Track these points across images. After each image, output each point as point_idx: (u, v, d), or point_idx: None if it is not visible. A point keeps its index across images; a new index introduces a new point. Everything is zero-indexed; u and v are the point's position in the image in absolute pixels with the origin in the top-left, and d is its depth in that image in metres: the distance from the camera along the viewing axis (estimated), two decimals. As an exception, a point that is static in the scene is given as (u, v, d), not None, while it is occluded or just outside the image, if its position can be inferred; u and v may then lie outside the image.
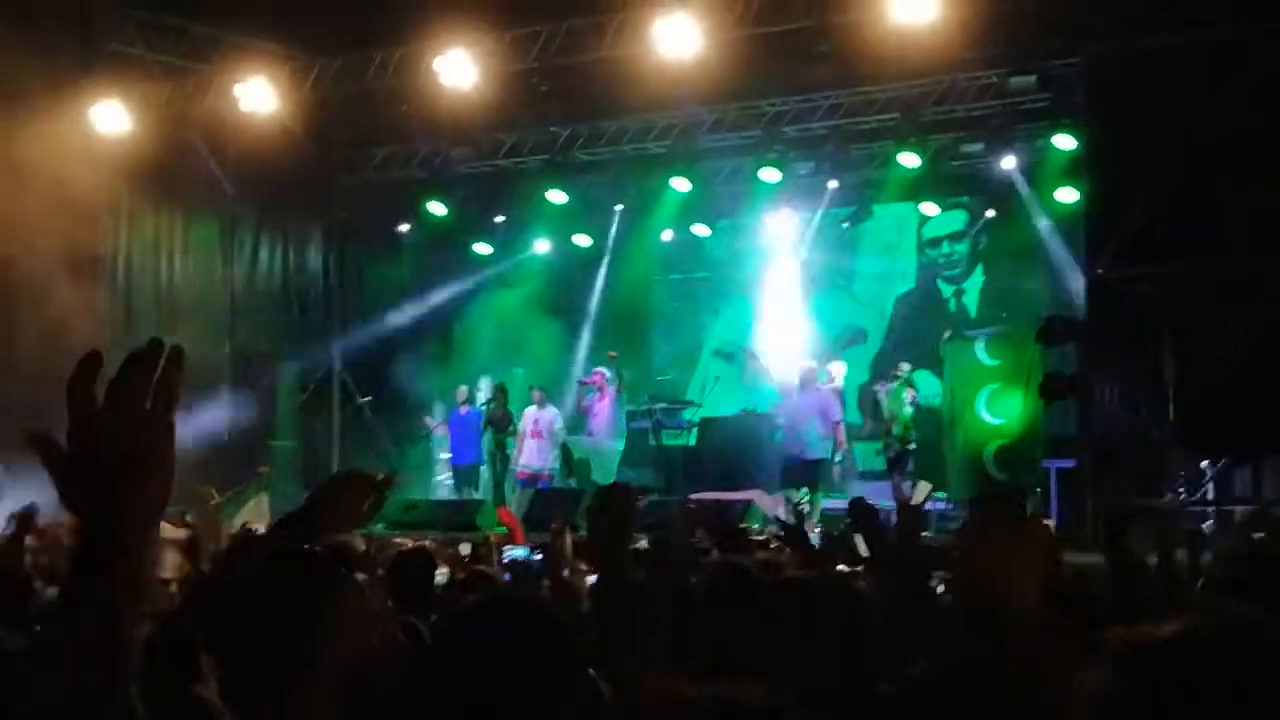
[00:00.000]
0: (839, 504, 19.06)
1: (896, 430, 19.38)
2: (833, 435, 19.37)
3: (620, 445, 21.83)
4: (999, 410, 19.08)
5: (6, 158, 17.16)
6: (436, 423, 22.76)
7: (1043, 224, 20.61)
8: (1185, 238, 15.44)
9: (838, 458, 19.64)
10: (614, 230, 24.23)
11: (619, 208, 23.57)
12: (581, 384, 22.33)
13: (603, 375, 21.84)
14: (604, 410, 21.47)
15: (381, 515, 15.19)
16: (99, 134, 19.05)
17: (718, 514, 16.27)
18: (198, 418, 20.65)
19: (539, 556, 9.60)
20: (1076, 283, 18.20)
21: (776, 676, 4.18)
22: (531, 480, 20.56)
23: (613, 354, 22.35)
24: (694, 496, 18.80)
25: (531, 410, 21.06)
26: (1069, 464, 18.01)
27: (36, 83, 17.57)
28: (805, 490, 18.89)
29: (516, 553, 13.02)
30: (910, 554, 5.47)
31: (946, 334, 21.33)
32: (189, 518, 13.71)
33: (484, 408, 21.26)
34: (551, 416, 21.02)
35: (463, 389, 21.97)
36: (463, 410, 21.76)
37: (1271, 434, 14.69)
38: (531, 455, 20.82)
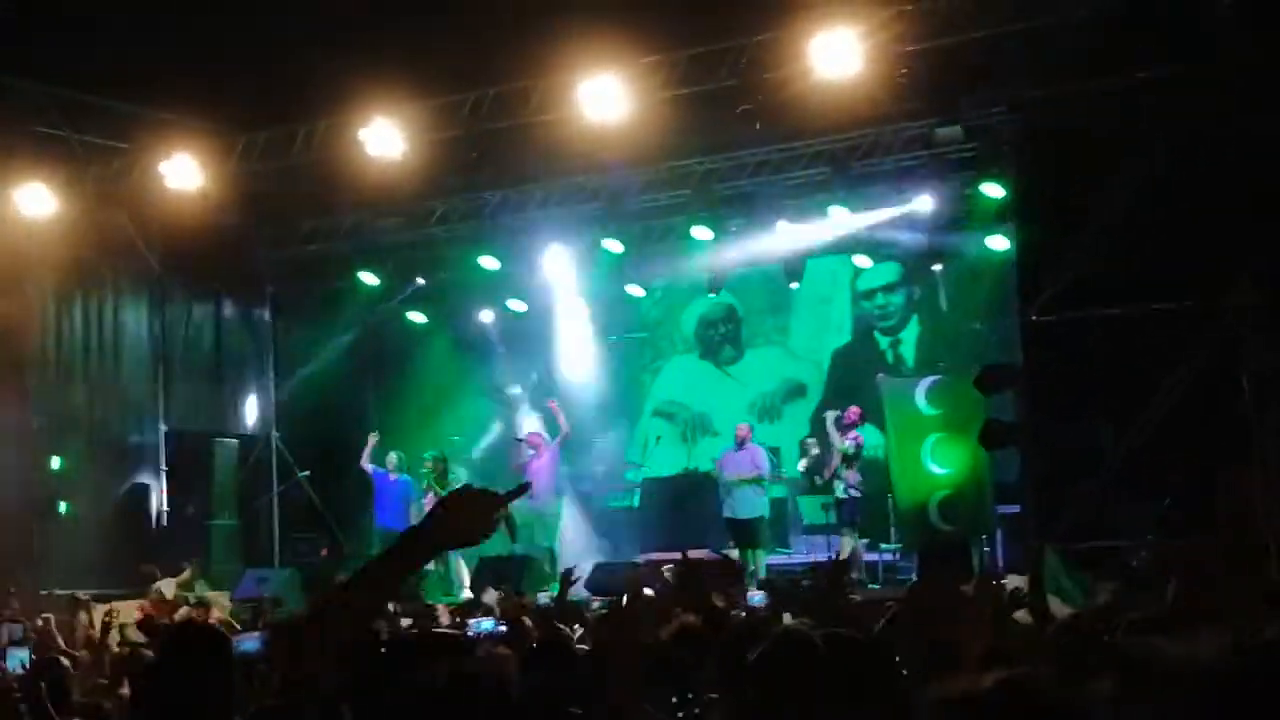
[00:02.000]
0: (783, 559, 19.11)
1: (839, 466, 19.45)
2: (765, 492, 19.75)
3: (559, 508, 21.67)
4: (943, 459, 19.04)
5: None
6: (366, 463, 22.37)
7: (977, 272, 20.67)
8: (1120, 280, 15.48)
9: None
10: (548, 294, 24.09)
11: (549, 271, 23.41)
12: (518, 441, 22.05)
13: (540, 436, 21.66)
14: (543, 469, 21.26)
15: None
16: (23, 217, 18.85)
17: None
18: (136, 500, 20.50)
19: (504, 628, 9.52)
20: (1013, 329, 18.22)
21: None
22: None
23: (552, 402, 22.20)
24: (643, 558, 18.71)
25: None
26: (1015, 509, 18.05)
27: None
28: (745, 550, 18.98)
29: (484, 625, 12.83)
30: (826, 610, 5.49)
31: (880, 376, 21.34)
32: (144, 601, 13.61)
33: (425, 479, 21.08)
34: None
35: (393, 456, 21.84)
36: (392, 477, 21.60)
37: (1212, 473, 14.72)
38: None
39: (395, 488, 21.56)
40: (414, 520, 20.95)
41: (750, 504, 19.51)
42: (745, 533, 19.32)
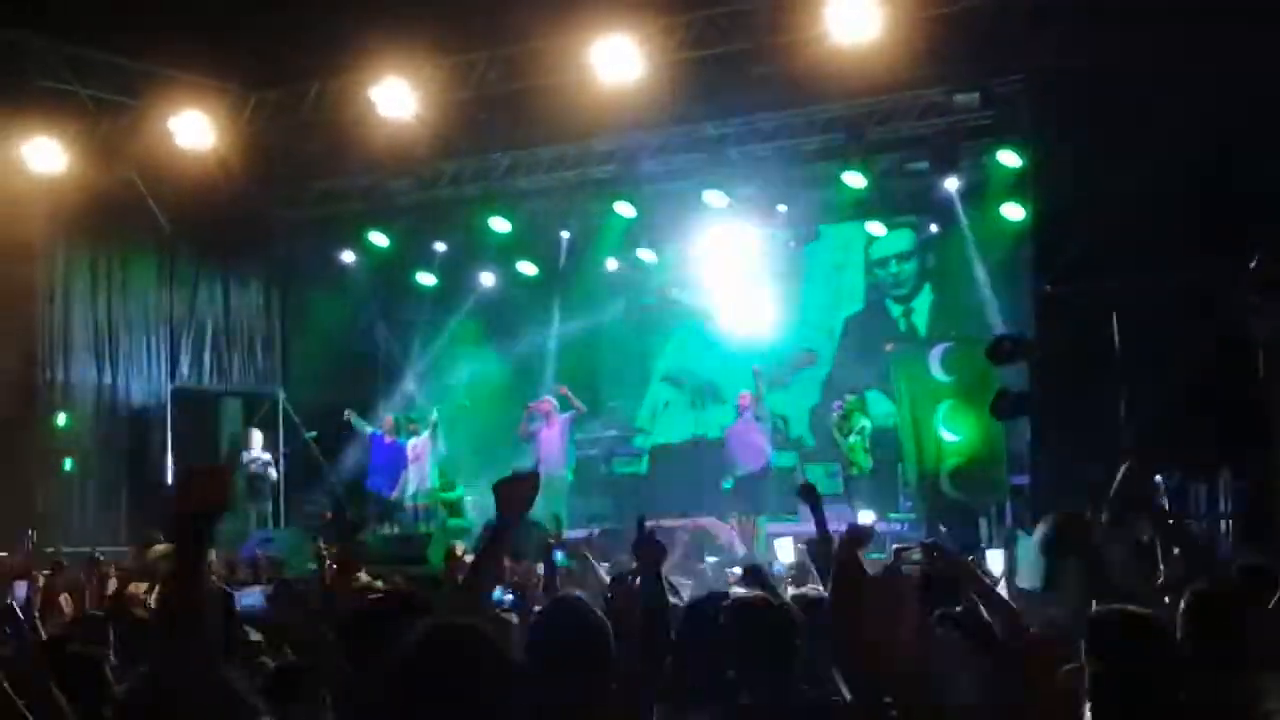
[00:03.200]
0: (785, 526, 18.99)
1: (845, 455, 19.50)
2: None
3: (569, 475, 21.60)
4: (956, 427, 18.94)
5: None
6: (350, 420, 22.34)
7: (991, 240, 20.54)
8: (1133, 253, 15.35)
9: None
10: (562, 257, 23.95)
11: (565, 234, 23.28)
12: (528, 409, 21.87)
13: (551, 403, 21.56)
14: (552, 439, 21.20)
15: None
16: (32, 172, 18.75)
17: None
18: (140, 458, 20.43)
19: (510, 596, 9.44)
20: (1026, 299, 18.09)
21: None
22: (417, 512, 20.71)
23: (563, 388, 22.07)
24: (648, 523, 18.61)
25: (412, 441, 21.31)
26: (1026, 480, 17.96)
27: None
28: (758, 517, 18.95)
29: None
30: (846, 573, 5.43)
31: (889, 346, 21.23)
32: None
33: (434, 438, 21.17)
34: (424, 442, 21.07)
35: (389, 418, 21.82)
36: (386, 440, 21.61)
37: (1225, 449, 14.61)
38: (413, 481, 21.24)
39: (389, 450, 21.58)
40: (405, 484, 21.05)
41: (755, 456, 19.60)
42: (749, 493, 19.29)
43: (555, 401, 21.60)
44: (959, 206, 20.69)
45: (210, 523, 3.67)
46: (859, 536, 4.96)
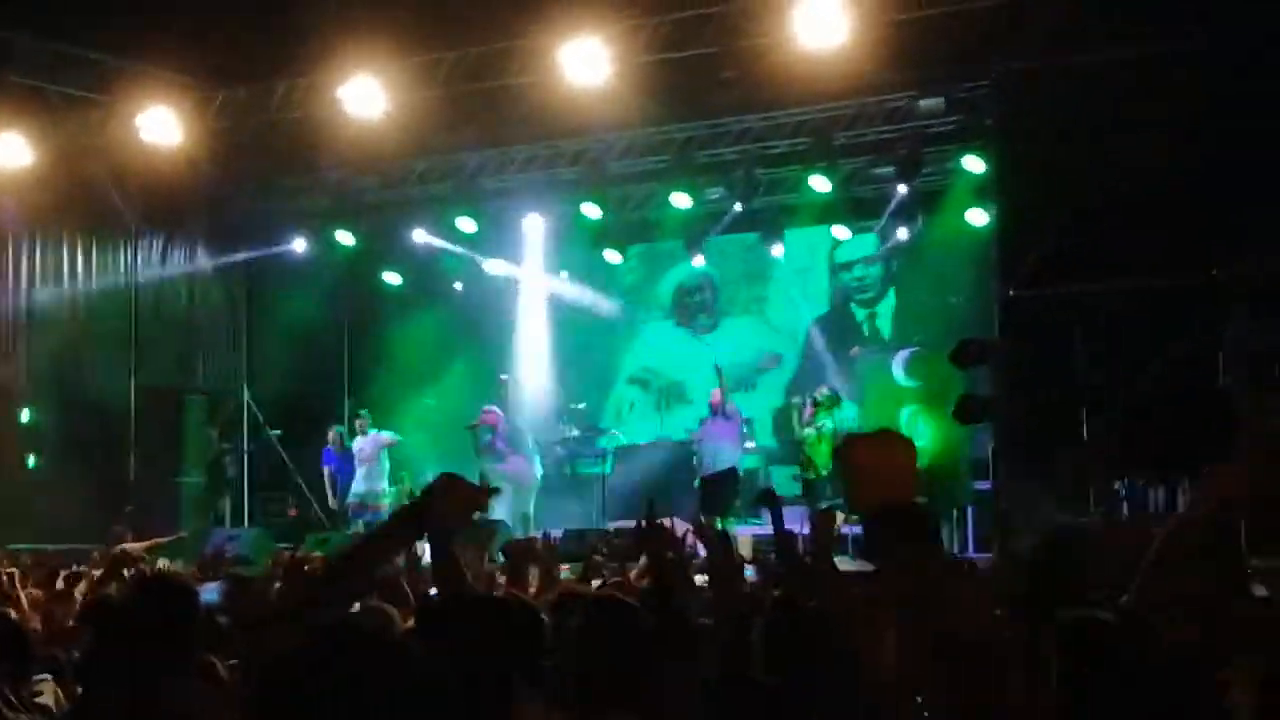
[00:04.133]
0: (756, 529, 19.03)
1: (802, 448, 19.53)
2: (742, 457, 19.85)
3: (538, 471, 21.59)
4: (919, 432, 19.00)
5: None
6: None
7: (956, 245, 20.65)
8: (1098, 258, 15.46)
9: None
10: (524, 257, 24.00)
11: (530, 234, 23.31)
12: (471, 429, 21.54)
13: (496, 414, 21.45)
14: (506, 450, 21.22)
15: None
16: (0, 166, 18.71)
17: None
18: (104, 454, 20.38)
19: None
20: (990, 303, 18.19)
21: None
22: (360, 509, 20.59)
23: (504, 376, 22.08)
24: (613, 525, 18.66)
25: (357, 440, 21.36)
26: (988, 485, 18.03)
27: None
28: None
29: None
30: (821, 568, 5.50)
31: (854, 350, 21.30)
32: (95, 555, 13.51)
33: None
34: (373, 440, 20.99)
35: (333, 432, 21.97)
36: (336, 452, 21.81)
37: (1186, 454, 14.70)
38: (359, 482, 21.00)
39: (340, 460, 21.63)
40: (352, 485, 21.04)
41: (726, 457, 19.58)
42: (716, 495, 19.24)
43: (498, 410, 21.51)
44: (923, 211, 20.83)
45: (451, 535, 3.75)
46: (829, 514, 5.08)
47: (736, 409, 20.35)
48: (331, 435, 21.94)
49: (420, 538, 3.86)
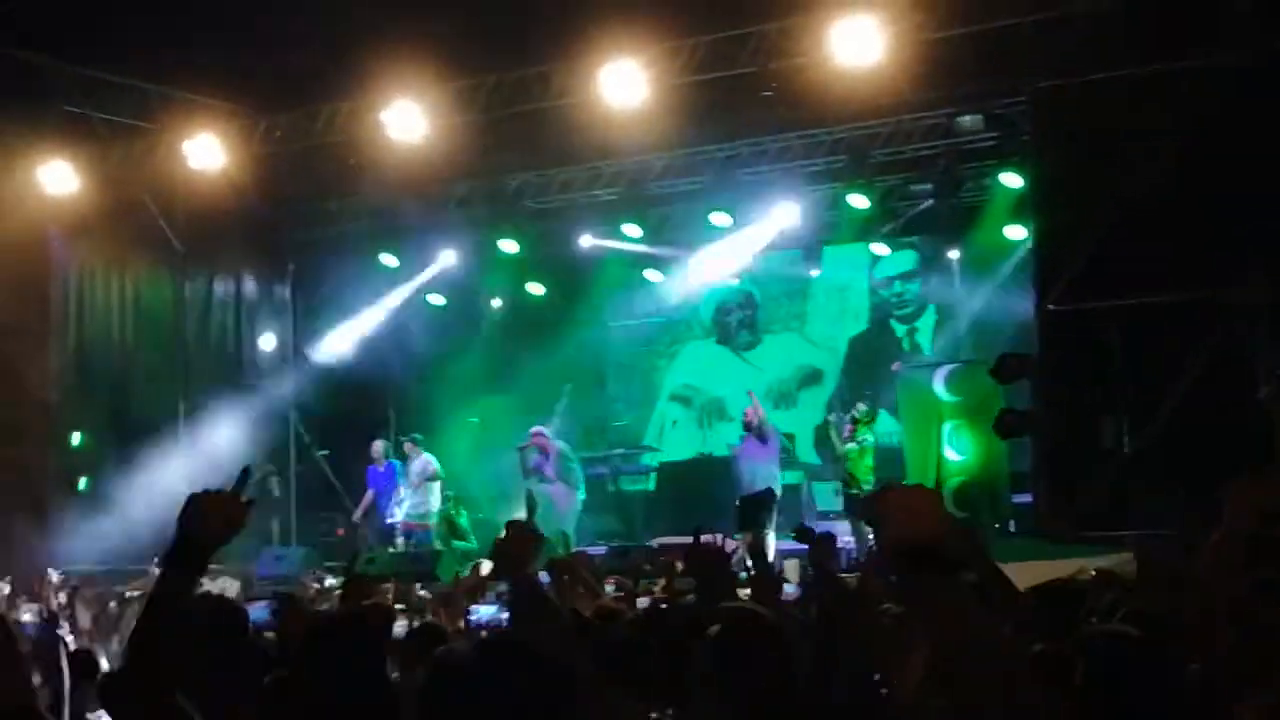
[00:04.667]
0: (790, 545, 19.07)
1: (841, 462, 19.53)
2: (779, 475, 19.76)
3: (581, 494, 21.68)
4: (961, 446, 19.05)
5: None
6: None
7: (994, 260, 20.72)
8: (1137, 271, 15.48)
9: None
10: (563, 277, 24.14)
11: (570, 255, 23.42)
12: (521, 450, 21.42)
13: (545, 438, 21.52)
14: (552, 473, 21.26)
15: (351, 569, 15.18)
16: (47, 194, 18.95)
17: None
18: (152, 478, 20.55)
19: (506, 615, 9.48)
20: (1029, 318, 18.23)
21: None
22: (410, 528, 20.70)
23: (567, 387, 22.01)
24: (657, 542, 18.74)
25: (410, 461, 21.43)
26: (1028, 499, 18.08)
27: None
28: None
29: (484, 612, 12.83)
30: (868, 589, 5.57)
31: (896, 365, 21.35)
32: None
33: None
34: (422, 464, 21.14)
35: (378, 445, 22.00)
36: (380, 468, 21.77)
37: (1228, 467, 14.68)
38: (414, 503, 21.16)
39: (384, 476, 21.72)
40: (398, 503, 21.13)
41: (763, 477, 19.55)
42: (751, 511, 19.15)
43: (546, 430, 21.56)
44: (963, 227, 20.91)
45: (211, 552, 3.64)
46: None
47: (774, 428, 20.30)
48: (377, 448, 21.95)
49: (195, 558, 3.72)
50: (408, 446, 21.48)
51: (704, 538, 5.87)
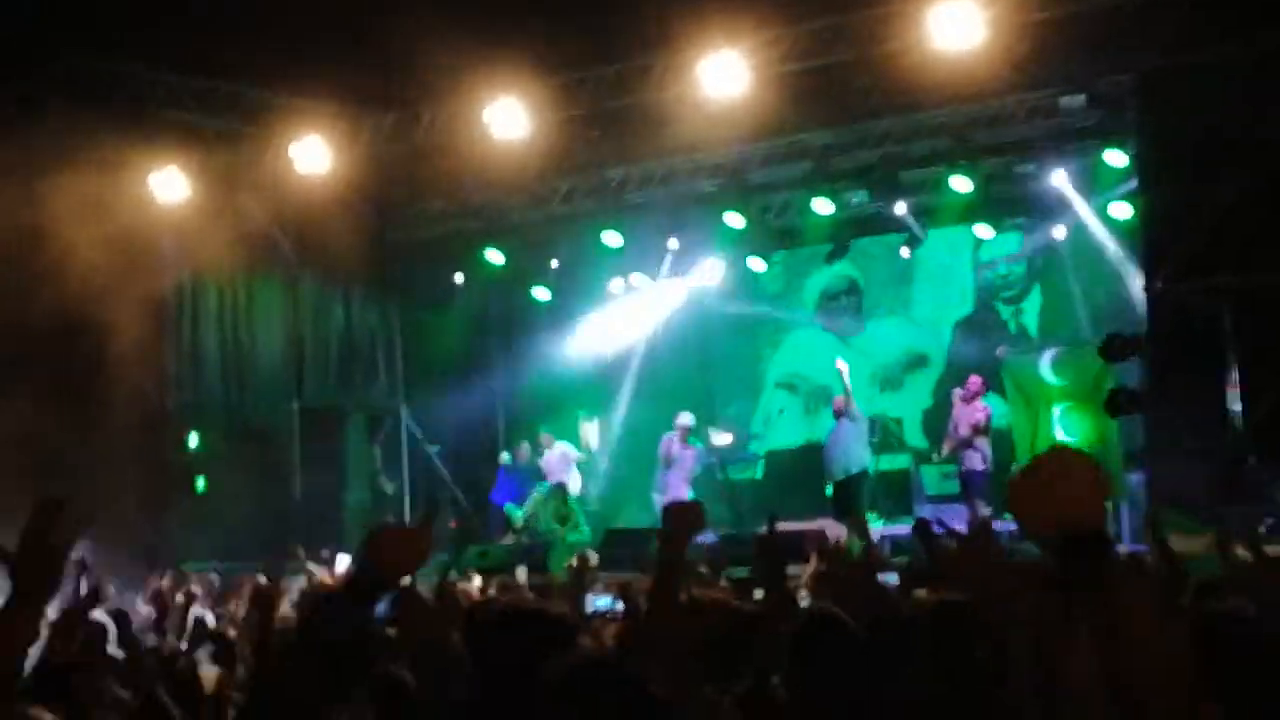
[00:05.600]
0: (905, 529, 19.05)
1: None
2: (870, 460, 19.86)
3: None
4: (1071, 429, 18.93)
5: (72, 228, 17.41)
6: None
7: (1100, 240, 20.58)
8: (1246, 250, 15.38)
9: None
10: (667, 267, 24.23)
11: (673, 245, 23.51)
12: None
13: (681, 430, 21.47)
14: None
15: (456, 563, 15.38)
16: (159, 201, 19.28)
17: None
18: (271, 477, 20.87)
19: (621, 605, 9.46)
20: (1138, 297, 18.11)
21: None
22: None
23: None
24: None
25: (545, 454, 22.01)
26: (1140, 477, 17.97)
27: (99, 155, 17.80)
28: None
29: (601, 602, 12.93)
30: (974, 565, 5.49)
31: (1000, 349, 21.26)
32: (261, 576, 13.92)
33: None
34: (561, 451, 21.60)
35: (525, 447, 22.31)
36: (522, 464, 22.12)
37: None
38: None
39: (519, 474, 22.00)
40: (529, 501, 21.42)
41: (857, 459, 19.58)
42: (845, 498, 19.14)
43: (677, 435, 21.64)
44: (1068, 208, 20.78)
45: (391, 586, 3.56)
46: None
47: (859, 410, 20.17)
48: (524, 450, 22.35)
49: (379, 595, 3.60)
50: (544, 438, 21.79)
51: (779, 527, 5.73)
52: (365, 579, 3.44)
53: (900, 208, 21.53)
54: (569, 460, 21.79)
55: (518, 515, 21.54)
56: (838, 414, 19.80)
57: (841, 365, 20.46)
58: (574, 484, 21.69)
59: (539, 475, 21.98)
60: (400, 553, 3.48)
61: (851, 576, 5.97)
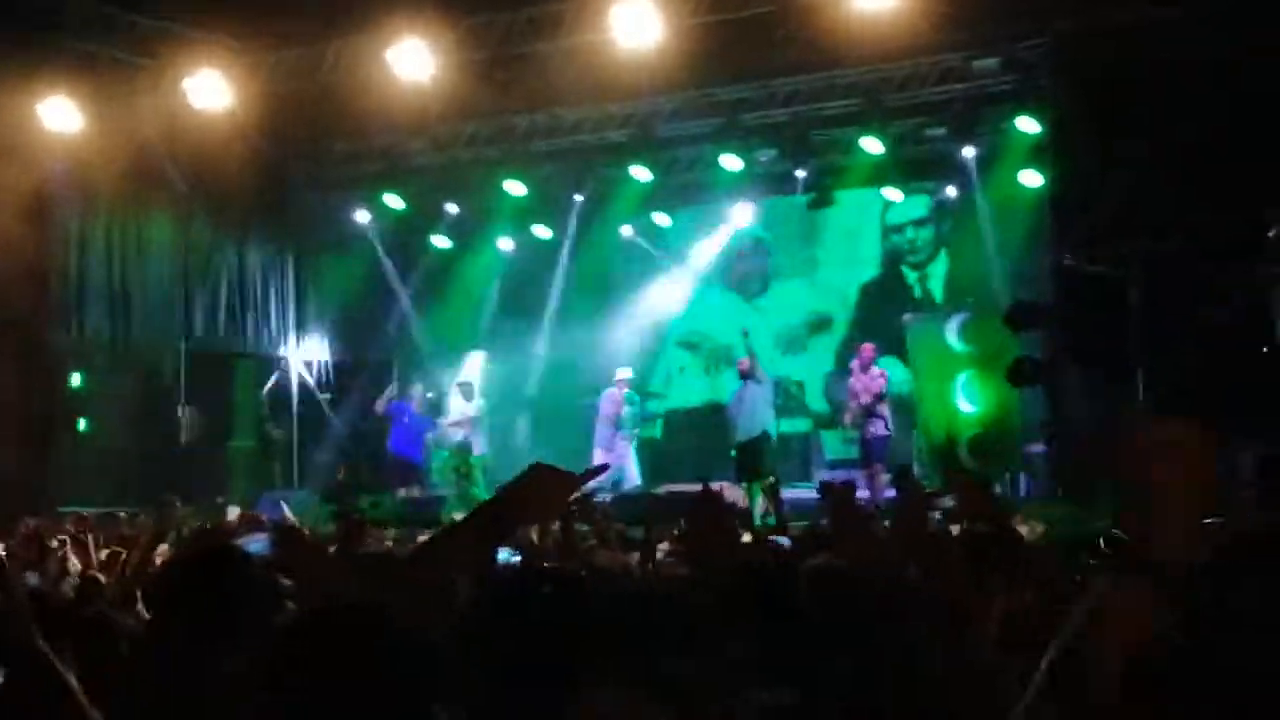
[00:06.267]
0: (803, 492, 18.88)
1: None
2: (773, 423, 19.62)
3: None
4: (974, 396, 18.84)
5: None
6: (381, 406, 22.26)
7: (1008, 207, 20.49)
8: (1154, 219, 15.29)
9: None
10: (573, 221, 23.87)
11: (578, 198, 23.18)
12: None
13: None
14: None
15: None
16: (49, 131, 18.68)
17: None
18: (155, 420, 20.41)
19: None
20: (1043, 266, 18.01)
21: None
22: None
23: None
24: (665, 489, 18.55)
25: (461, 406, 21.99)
26: (1041, 449, 17.93)
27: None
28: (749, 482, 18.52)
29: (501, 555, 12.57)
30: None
31: (906, 316, 21.14)
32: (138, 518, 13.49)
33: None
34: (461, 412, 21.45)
35: (418, 389, 21.90)
36: (417, 410, 21.69)
37: (1241, 418, 14.52)
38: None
39: (416, 421, 21.62)
40: (428, 450, 21.12)
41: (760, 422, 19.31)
42: (750, 460, 18.88)
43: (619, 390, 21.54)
44: (976, 173, 20.67)
45: (519, 528, 3.45)
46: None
47: (764, 374, 19.94)
48: (417, 394, 21.96)
49: (507, 536, 3.56)
50: (462, 389, 21.61)
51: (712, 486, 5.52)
52: (495, 509, 3.31)
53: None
54: (469, 419, 21.51)
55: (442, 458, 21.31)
56: (743, 375, 19.51)
57: (745, 331, 20.26)
58: (476, 443, 21.43)
59: (432, 423, 21.66)
60: (545, 496, 3.31)
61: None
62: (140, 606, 7.81)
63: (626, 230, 23.98)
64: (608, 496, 18.40)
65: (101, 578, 8.96)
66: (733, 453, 19.30)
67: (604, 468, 4.02)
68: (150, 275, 21.29)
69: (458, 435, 21.70)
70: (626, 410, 21.19)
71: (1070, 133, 16.88)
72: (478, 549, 3.38)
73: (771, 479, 14.38)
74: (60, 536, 12.35)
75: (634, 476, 21.03)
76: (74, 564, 10.72)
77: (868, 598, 4.42)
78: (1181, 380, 15.24)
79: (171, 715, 3.73)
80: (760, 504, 18.10)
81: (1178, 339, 15.36)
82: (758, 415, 19.30)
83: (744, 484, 18.17)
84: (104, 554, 10.65)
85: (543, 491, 3.37)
